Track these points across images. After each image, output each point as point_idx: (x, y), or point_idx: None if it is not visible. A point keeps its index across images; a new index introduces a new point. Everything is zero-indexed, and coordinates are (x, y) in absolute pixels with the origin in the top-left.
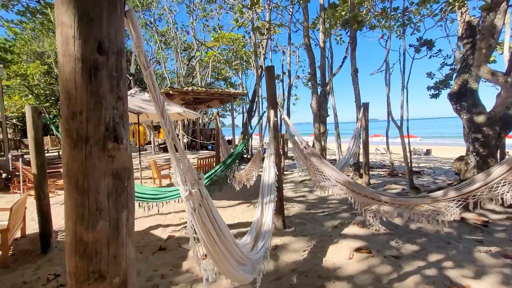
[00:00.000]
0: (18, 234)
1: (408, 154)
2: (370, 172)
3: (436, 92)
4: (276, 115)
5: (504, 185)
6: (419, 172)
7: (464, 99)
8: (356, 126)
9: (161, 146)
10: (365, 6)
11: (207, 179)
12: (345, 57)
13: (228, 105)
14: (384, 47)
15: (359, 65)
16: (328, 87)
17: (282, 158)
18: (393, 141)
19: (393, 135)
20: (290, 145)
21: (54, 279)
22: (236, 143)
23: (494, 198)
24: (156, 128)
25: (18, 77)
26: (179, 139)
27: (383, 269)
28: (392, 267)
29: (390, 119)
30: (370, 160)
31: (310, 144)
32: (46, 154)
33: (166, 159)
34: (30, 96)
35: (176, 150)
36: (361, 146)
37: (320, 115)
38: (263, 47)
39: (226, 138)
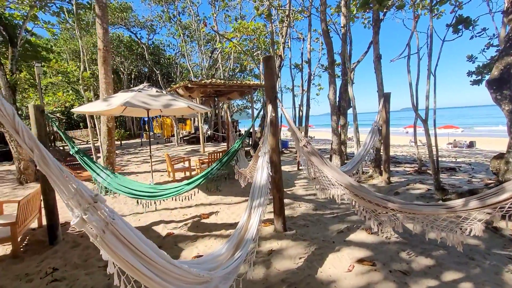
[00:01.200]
0: (35, 224)
1: (434, 149)
2: (396, 168)
3: (479, 77)
4: (275, 110)
5: None
6: (454, 169)
7: (507, 86)
8: (375, 119)
9: (185, 138)
10: None
11: (202, 178)
12: (372, 43)
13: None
14: (413, 30)
15: (387, 51)
16: (348, 76)
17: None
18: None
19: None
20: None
21: (51, 272)
22: (258, 135)
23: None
24: (181, 120)
25: (60, 75)
26: (199, 132)
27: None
28: (396, 285)
29: (416, 110)
30: (400, 154)
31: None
32: (83, 146)
33: (188, 152)
34: (70, 91)
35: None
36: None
37: (340, 107)
38: (282, 36)
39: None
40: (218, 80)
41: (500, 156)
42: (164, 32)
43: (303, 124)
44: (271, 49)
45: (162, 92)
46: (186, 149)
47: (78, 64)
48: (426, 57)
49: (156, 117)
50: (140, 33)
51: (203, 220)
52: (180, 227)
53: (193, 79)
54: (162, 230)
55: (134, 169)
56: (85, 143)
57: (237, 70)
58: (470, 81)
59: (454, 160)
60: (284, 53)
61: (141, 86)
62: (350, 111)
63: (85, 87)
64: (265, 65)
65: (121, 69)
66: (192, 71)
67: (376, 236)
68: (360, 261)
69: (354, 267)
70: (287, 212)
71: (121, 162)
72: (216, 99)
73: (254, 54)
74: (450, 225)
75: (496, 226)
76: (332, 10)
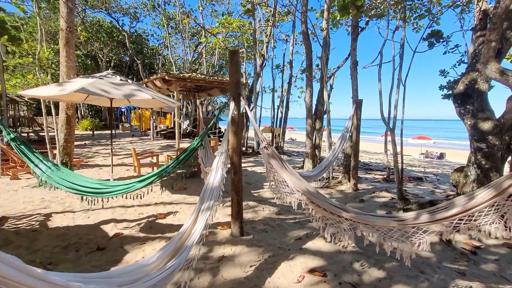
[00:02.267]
0: None
1: (399, 158)
2: (367, 175)
3: (450, 92)
4: (238, 108)
5: (489, 213)
6: (421, 178)
7: (470, 101)
8: (346, 125)
9: (162, 132)
10: None
11: (156, 176)
12: (381, 53)
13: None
14: (386, 38)
15: (370, 59)
16: (324, 80)
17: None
18: (411, 142)
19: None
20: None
21: None
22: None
23: (474, 229)
24: (161, 114)
25: (30, 56)
26: (175, 127)
27: None
28: None
29: (384, 118)
30: (374, 162)
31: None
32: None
33: (162, 147)
34: (43, 75)
35: None
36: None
37: (317, 111)
38: (266, 35)
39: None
40: (199, 74)
41: (460, 169)
42: (148, 21)
43: (281, 125)
44: (253, 47)
45: (127, 81)
46: (161, 144)
47: (53, 46)
48: (401, 67)
49: (134, 108)
50: (122, 20)
51: (159, 221)
52: (132, 227)
53: (165, 72)
54: (110, 229)
55: (100, 162)
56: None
57: (222, 66)
58: (442, 95)
59: (423, 170)
60: (267, 53)
61: (104, 73)
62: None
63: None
64: (230, 59)
65: (100, 55)
66: (175, 64)
67: (333, 244)
68: (312, 271)
69: (304, 278)
70: (249, 215)
71: (88, 153)
72: (196, 94)
73: (240, 52)
74: (401, 238)
75: (450, 239)
76: (318, 14)
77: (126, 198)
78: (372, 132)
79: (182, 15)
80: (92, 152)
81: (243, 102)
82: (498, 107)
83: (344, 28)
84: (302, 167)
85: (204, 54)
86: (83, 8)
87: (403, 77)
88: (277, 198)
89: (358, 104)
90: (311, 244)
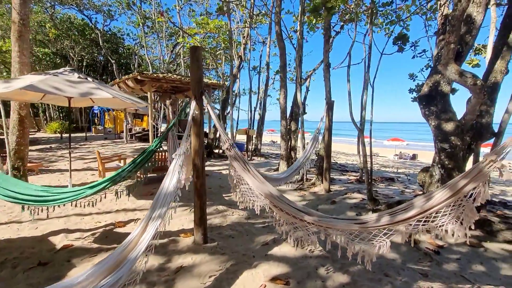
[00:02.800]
0: None
1: (368, 159)
2: (341, 177)
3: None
4: (199, 107)
5: (445, 214)
6: (392, 179)
7: (434, 103)
8: (317, 126)
9: (137, 135)
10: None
11: (108, 182)
12: (349, 54)
13: (217, 95)
14: (362, 43)
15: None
16: (298, 81)
17: (247, 155)
18: (388, 143)
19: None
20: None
21: None
22: (211, 136)
23: (432, 230)
24: (137, 115)
25: None
26: (149, 129)
27: None
28: None
29: (353, 119)
30: (351, 163)
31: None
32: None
33: (135, 150)
34: (5, 74)
35: None
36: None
37: (293, 112)
38: (244, 36)
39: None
40: (175, 75)
41: (426, 169)
42: (124, 20)
43: (258, 128)
44: (234, 48)
45: (86, 79)
46: (135, 147)
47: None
48: (368, 68)
49: (108, 110)
50: (95, 18)
51: (117, 229)
52: (85, 237)
53: (138, 71)
54: (59, 241)
55: (63, 166)
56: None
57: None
58: (411, 98)
59: (396, 170)
60: (244, 54)
61: (60, 70)
62: (306, 117)
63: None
64: (191, 56)
65: (71, 54)
66: (152, 64)
67: (300, 249)
68: (274, 279)
69: (265, 287)
70: (217, 220)
71: (52, 157)
72: (172, 95)
73: (217, 53)
74: (363, 241)
75: (415, 239)
76: (294, 18)
77: (82, 205)
78: (351, 135)
79: (157, 14)
80: (57, 156)
81: (205, 101)
82: (461, 108)
83: (321, 31)
84: (277, 169)
85: (182, 55)
86: (52, 3)
87: (371, 79)
88: (239, 203)
89: (329, 106)
90: (277, 250)
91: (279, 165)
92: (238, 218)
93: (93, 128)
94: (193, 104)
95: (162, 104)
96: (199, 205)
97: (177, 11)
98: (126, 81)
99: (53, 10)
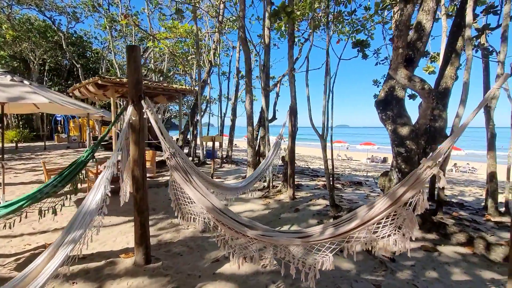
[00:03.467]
0: None
1: (330, 165)
2: (310, 182)
3: None
4: (138, 112)
5: (386, 225)
6: (360, 183)
7: (390, 108)
8: (280, 132)
9: (103, 143)
10: (321, 8)
11: (27, 200)
12: (297, 58)
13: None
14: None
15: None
16: (268, 87)
17: (213, 162)
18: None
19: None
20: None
21: None
22: (180, 143)
23: (373, 243)
24: (106, 122)
25: None
26: (112, 137)
27: None
28: None
29: (313, 125)
30: (321, 168)
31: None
32: None
33: (99, 159)
34: None
35: None
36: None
37: (261, 118)
38: (213, 41)
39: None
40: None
41: (385, 173)
42: (91, 22)
43: (225, 133)
44: (205, 54)
45: (22, 82)
46: (98, 156)
47: None
48: (326, 72)
49: (73, 117)
50: (59, 20)
51: None
52: (5, 264)
53: (98, 75)
54: None
55: (8, 179)
56: None
57: (174, 72)
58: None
59: (365, 174)
60: (214, 59)
61: None
62: (277, 122)
63: None
64: (128, 56)
65: (31, 57)
66: (121, 69)
67: (252, 264)
68: None
69: None
70: (169, 235)
71: None
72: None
73: (189, 58)
74: (305, 257)
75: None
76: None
77: (24, 223)
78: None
79: (120, 16)
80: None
81: (145, 106)
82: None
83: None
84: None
85: (152, 60)
86: (9, 3)
87: (331, 84)
88: (180, 218)
89: (292, 111)
90: (227, 267)
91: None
92: (193, 232)
93: (56, 137)
94: (130, 109)
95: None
96: (140, 222)
97: (146, 14)
98: (87, 86)
99: (10, 10)
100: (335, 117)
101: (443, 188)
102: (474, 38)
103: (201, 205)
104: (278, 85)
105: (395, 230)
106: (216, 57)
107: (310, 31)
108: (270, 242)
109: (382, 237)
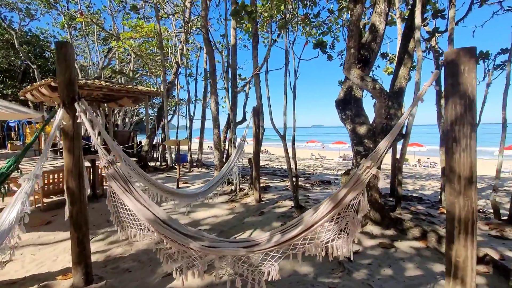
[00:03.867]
0: None
1: (293, 166)
2: (279, 183)
3: None
4: (72, 116)
5: (330, 229)
6: (329, 181)
7: (349, 107)
8: (243, 133)
9: (61, 150)
10: (290, 10)
11: None
12: (266, 58)
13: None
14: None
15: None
16: (236, 88)
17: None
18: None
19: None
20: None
21: None
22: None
23: (319, 249)
24: None
25: None
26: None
27: None
28: None
29: (274, 126)
30: (299, 168)
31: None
32: None
33: (55, 167)
34: None
35: None
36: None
37: (229, 120)
38: (181, 42)
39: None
40: (103, 81)
41: (347, 172)
42: (49, 20)
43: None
44: (171, 54)
45: None
46: (56, 164)
47: None
48: (286, 72)
49: (30, 122)
50: (11, 16)
51: None
52: None
53: (51, 77)
54: None
55: None
56: None
57: (141, 74)
58: None
59: (336, 172)
60: (180, 59)
61: None
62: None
63: None
64: (57, 54)
65: None
66: (83, 70)
67: (208, 275)
68: None
69: None
70: (119, 250)
71: None
72: (104, 103)
73: (157, 59)
74: (251, 268)
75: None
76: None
77: None
78: (299, 140)
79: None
80: None
81: (79, 109)
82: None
83: (261, 40)
84: None
85: (117, 61)
86: None
87: (291, 84)
88: (120, 232)
89: (255, 112)
90: (179, 282)
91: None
92: (148, 245)
93: (8, 144)
94: (60, 112)
95: (95, 114)
96: (77, 239)
97: (109, 13)
98: (40, 88)
99: None
100: (309, 118)
101: (401, 184)
102: (426, 41)
103: (141, 217)
104: (248, 86)
105: (338, 234)
106: (184, 58)
107: (278, 32)
108: (214, 253)
109: (327, 242)
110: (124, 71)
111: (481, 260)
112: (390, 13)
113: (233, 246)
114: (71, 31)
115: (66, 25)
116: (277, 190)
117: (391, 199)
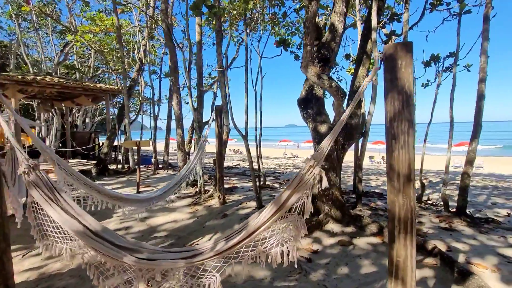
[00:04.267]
0: None
1: (255, 165)
2: (247, 184)
3: None
4: None
5: (273, 234)
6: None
7: (310, 106)
8: (204, 133)
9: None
10: (257, 9)
11: None
12: (234, 58)
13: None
14: (230, 40)
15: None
16: (202, 87)
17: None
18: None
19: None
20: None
21: None
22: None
23: (261, 257)
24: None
25: None
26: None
27: None
28: None
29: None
30: (271, 167)
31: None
32: None
33: None
34: None
35: None
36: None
37: (196, 120)
38: (143, 37)
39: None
40: (56, 77)
41: None
42: None
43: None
44: (136, 51)
45: None
46: None
47: None
48: (246, 70)
49: None
50: None
51: None
52: None
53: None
54: None
55: None
56: None
57: (104, 71)
58: None
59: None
60: (145, 57)
61: None
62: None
63: None
64: None
65: None
66: (34, 65)
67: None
68: None
69: None
70: (58, 265)
71: None
72: (61, 103)
73: (119, 55)
74: (191, 281)
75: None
76: (202, 22)
77: None
78: (272, 139)
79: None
80: None
81: None
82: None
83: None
84: None
85: (76, 56)
86: None
87: (253, 82)
88: (42, 249)
89: (217, 111)
90: None
91: None
92: (93, 257)
93: None
94: None
95: (50, 114)
96: None
97: (66, 4)
98: None
99: None
100: (283, 118)
101: (361, 181)
102: (384, 43)
103: (68, 229)
104: (216, 85)
105: (283, 239)
106: (148, 55)
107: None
108: (151, 266)
109: (270, 249)
110: (77, 67)
111: (430, 252)
112: (352, 16)
113: (173, 257)
114: (20, 22)
115: (13, 15)
116: (243, 190)
117: (353, 196)
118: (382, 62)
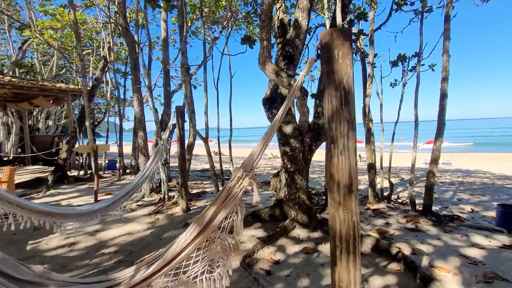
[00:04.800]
0: None
1: (217, 166)
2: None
3: None
4: None
5: (198, 260)
6: (269, 183)
7: (275, 106)
8: (164, 136)
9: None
10: (231, 7)
11: None
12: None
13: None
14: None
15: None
16: (149, 86)
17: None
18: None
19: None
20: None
21: None
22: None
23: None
24: None
25: None
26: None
27: None
28: None
29: (194, 126)
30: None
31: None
32: None
33: None
34: None
35: None
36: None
37: (163, 121)
38: (108, 35)
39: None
40: (6, 77)
41: (277, 174)
42: None
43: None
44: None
45: None
46: None
47: None
48: (205, 68)
49: None
50: None
51: None
52: None
53: None
54: None
55: None
56: None
57: (66, 70)
58: None
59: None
60: (109, 55)
61: None
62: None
63: None
64: None
65: None
66: None
67: None
68: None
69: None
70: None
71: None
72: (17, 104)
73: (84, 53)
74: None
75: (248, 261)
76: (173, 19)
77: None
78: (251, 140)
79: None
80: None
81: None
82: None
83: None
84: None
85: (36, 54)
86: None
87: (218, 80)
88: None
89: (178, 112)
90: None
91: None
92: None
93: None
94: None
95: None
96: None
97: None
98: None
99: None
100: (262, 118)
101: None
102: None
103: None
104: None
105: (210, 266)
106: (113, 53)
107: (220, 30)
108: None
109: (195, 277)
110: (35, 66)
111: (394, 257)
112: (322, 15)
113: None
114: None
115: None
116: (213, 195)
117: (324, 197)
118: (318, 52)
